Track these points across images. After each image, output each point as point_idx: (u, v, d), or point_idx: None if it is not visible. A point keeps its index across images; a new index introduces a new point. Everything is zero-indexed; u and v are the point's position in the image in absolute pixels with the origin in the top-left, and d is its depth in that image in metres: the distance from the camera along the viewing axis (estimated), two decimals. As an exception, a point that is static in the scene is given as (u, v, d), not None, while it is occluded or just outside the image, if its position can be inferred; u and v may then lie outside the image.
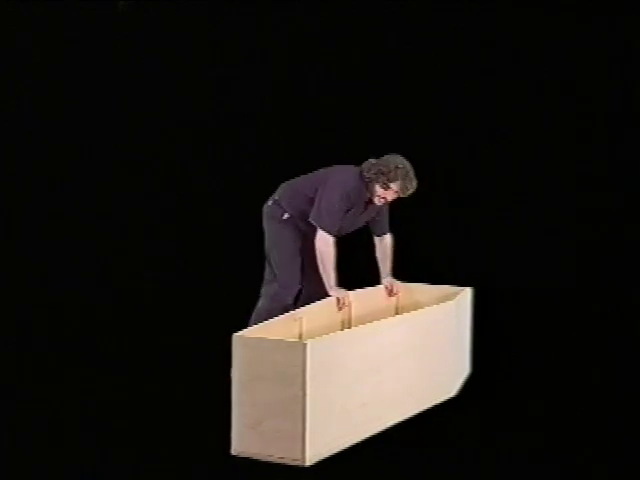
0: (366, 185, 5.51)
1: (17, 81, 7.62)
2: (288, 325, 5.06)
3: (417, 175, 5.47)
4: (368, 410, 4.85)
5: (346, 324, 5.52)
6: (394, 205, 5.65)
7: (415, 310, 5.52)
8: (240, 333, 4.66)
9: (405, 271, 6.08)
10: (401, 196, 5.52)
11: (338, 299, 5.47)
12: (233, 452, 4.61)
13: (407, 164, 5.49)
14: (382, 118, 7.52)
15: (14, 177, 7.67)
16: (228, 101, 7.62)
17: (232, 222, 7.44)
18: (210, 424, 4.94)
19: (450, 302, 5.57)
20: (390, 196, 5.51)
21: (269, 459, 4.53)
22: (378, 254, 5.89)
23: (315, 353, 4.49)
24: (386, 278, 5.91)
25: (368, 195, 5.54)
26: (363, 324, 5.13)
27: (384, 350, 4.97)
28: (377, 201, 5.54)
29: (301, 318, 5.15)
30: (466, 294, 5.83)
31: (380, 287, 5.87)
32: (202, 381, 5.65)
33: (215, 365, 5.23)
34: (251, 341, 4.60)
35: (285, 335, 4.98)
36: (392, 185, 5.45)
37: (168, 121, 7.64)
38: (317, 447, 4.54)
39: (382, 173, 5.45)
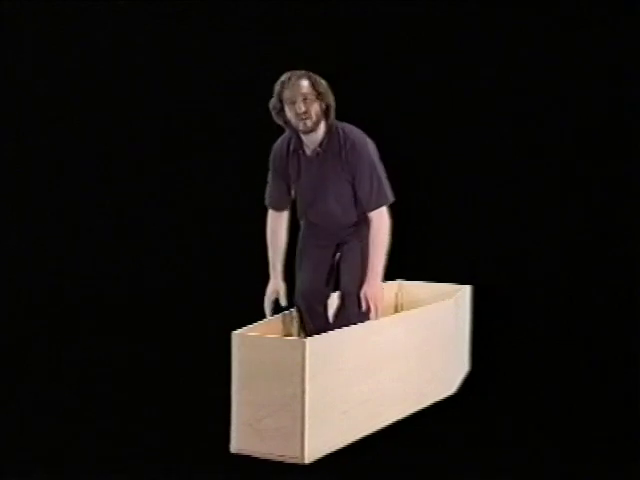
0: (290, 130, 4.93)
1: (17, 81, 7.63)
2: (287, 323, 5.07)
3: (417, 173, 5.41)
4: (367, 408, 4.86)
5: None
6: (394, 203, 5.55)
7: (414, 308, 5.53)
8: (239, 331, 4.67)
9: (405, 269, 6.08)
10: (294, 99, 4.76)
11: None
12: (232, 450, 4.62)
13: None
14: (382, 118, 7.52)
15: (14, 177, 7.68)
16: (229, 101, 7.62)
17: (233, 222, 7.44)
18: (209, 423, 4.95)
19: (449, 300, 5.58)
20: (296, 108, 4.77)
21: (268, 457, 4.54)
22: None
23: (314, 351, 4.50)
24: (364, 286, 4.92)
25: (293, 141, 4.92)
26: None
27: (383, 348, 4.97)
28: (301, 126, 4.81)
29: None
30: (465, 292, 5.84)
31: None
32: (202, 380, 5.66)
33: (215, 364, 5.23)
34: (250, 339, 4.60)
35: (284, 333, 4.99)
36: (282, 95, 4.80)
37: (168, 121, 7.64)
38: (316, 445, 4.54)
39: (274, 105, 4.88)
